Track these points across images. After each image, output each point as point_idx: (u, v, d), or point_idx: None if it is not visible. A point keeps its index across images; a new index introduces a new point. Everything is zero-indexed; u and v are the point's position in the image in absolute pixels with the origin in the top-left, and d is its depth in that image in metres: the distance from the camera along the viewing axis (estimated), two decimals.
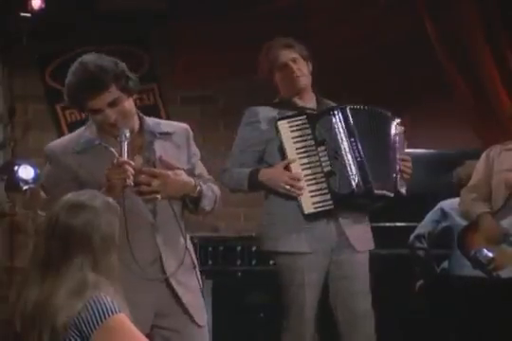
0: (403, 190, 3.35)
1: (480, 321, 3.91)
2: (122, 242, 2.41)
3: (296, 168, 3.24)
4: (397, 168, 3.32)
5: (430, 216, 4.45)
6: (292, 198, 3.24)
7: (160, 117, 5.43)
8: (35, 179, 5.10)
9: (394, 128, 3.36)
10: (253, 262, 4.68)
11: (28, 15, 4.88)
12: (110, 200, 2.21)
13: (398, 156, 3.33)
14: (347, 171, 3.22)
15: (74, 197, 2.18)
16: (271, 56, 3.36)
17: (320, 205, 3.22)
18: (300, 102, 3.37)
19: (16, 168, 5.07)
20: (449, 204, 4.29)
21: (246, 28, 5.13)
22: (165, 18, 5.15)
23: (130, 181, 2.50)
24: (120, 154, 2.52)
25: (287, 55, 3.35)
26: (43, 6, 4.82)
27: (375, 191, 3.23)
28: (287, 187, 3.22)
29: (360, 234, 3.33)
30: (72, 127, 5.42)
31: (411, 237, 4.46)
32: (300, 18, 5.10)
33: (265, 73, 3.40)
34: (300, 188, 3.21)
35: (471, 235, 3.75)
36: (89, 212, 2.13)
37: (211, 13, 5.11)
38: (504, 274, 3.61)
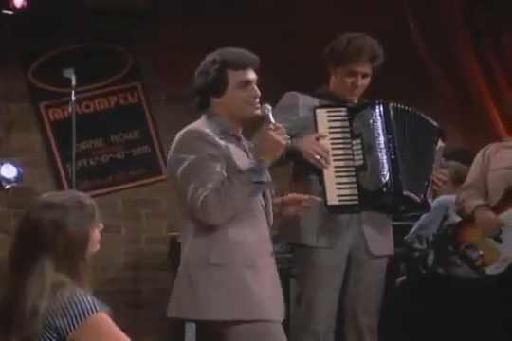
0: (430, 201, 3.29)
1: (466, 319, 3.94)
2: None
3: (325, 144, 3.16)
4: (430, 176, 3.25)
5: (431, 216, 4.40)
6: (317, 190, 3.14)
7: (144, 116, 5.47)
8: (17, 178, 5.08)
9: (435, 138, 3.29)
10: None
11: (11, 13, 4.85)
12: (87, 200, 2.19)
13: (433, 166, 3.26)
14: (379, 168, 3.12)
15: (47, 196, 2.17)
16: (352, 53, 3.21)
17: (345, 198, 3.14)
18: (342, 97, 3.28)
19: None
20: (449, 202, 4.22)
21: (232, 27, 5.13)
22: (149, 16, 5.14)
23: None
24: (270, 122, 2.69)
25: (363, 68, 3.22)
26: (25, 4, 4.79)
27: (404, 192, 3.14)
28: (317, 156, 3.12)
29: (380, 238, 3.25)
30: (55, 126, 5.41)
31: (410, 236, 4.45)
32: (289, 16, 5.11)
33: (331, 56, 3.27)
34: (327, 161, 3.12)
35: (464, 231, 3.74)
36: (57, 211, 2.11)
37: (196, 12, 5.10)
38: (490, 270, 3.62)
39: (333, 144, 3.16)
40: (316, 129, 3.17)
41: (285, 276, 4.11)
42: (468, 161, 4.04)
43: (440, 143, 3.32)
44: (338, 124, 3.18)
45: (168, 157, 2.75)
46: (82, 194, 2.22)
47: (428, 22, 4.64)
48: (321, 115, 3.18)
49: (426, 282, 4.40)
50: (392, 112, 3.19)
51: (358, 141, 3.17)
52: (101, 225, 2.21)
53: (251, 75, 2.72)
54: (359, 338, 3.28)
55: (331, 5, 5.01)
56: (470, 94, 4.60)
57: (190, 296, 2.62)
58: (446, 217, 4.36)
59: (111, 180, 5.35)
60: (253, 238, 2.68)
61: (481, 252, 3.63)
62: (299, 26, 5.02)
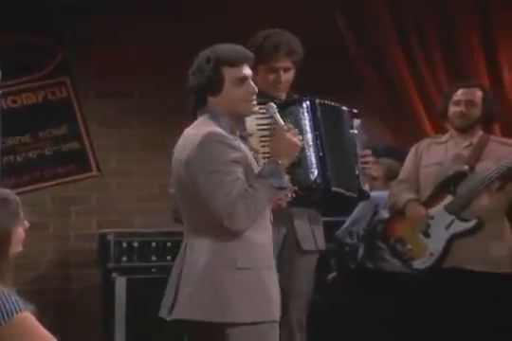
0: (366, 188, 3.32)
1: (395, 312, 4.00)
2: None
3: (256, 144, 3.13)
4: (359, 166, 3.27)
5: (362, 212, 4.45)
6: None
7: (73, 112, 5.39)
8: None
9: (352, 122, 3.31)
10: (168, 258, 4.66)
11: None
12: (11, 197, 2.14)
13: (360, 153, 3.28)
14: (307, 165, 3.15)
15: None
16: (269, 50, 3.24)
17: None
18: (269, 93, 3.27)
19: None
20: (379, 198, 4.26)
21: (163, 25, 5.11)
22: (80, 11, 5.08)
23: None
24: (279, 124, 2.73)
25: (283, 63, 3.25)
26: None
27: (333, 188, 3.17)
28: None
29: (311, 233, 3.28)
30: None
31: (341, 232, 4.50)
32: (223, 14, 5.11)
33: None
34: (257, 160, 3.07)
35: (394, 225, 3.80)
36: None
37: (128, 10, 5.06)
38: (416, 264, 3.69)
39: (261, 142, 3.15)
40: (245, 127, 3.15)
41: None
42: (400, 158, 4.10)
43: (356, 122, 3.33)
44: (266, 121, 3.15)
45: (185, 157, 2.61)
46: (6, 191, 2.17)
47: (356, 21, 4.69)
48: None
49: (355, 277, 4.46)
50: (318, 108, 3.22)
51: None
52: (27, 223, 2.17)
53: (247, 71, 2.68)
54: (290, 334, 3.30)
55: (264, 3, 5.04)
56: (397, 92, 4.67)
57: (214, 299, 2.57)
58: (375, 213, 4.44)
59: (39, 176, 5.26)
60: (266, 238, 2.70)
61: (409, 246, 3.70)
62: (232, 24, 5.02)
